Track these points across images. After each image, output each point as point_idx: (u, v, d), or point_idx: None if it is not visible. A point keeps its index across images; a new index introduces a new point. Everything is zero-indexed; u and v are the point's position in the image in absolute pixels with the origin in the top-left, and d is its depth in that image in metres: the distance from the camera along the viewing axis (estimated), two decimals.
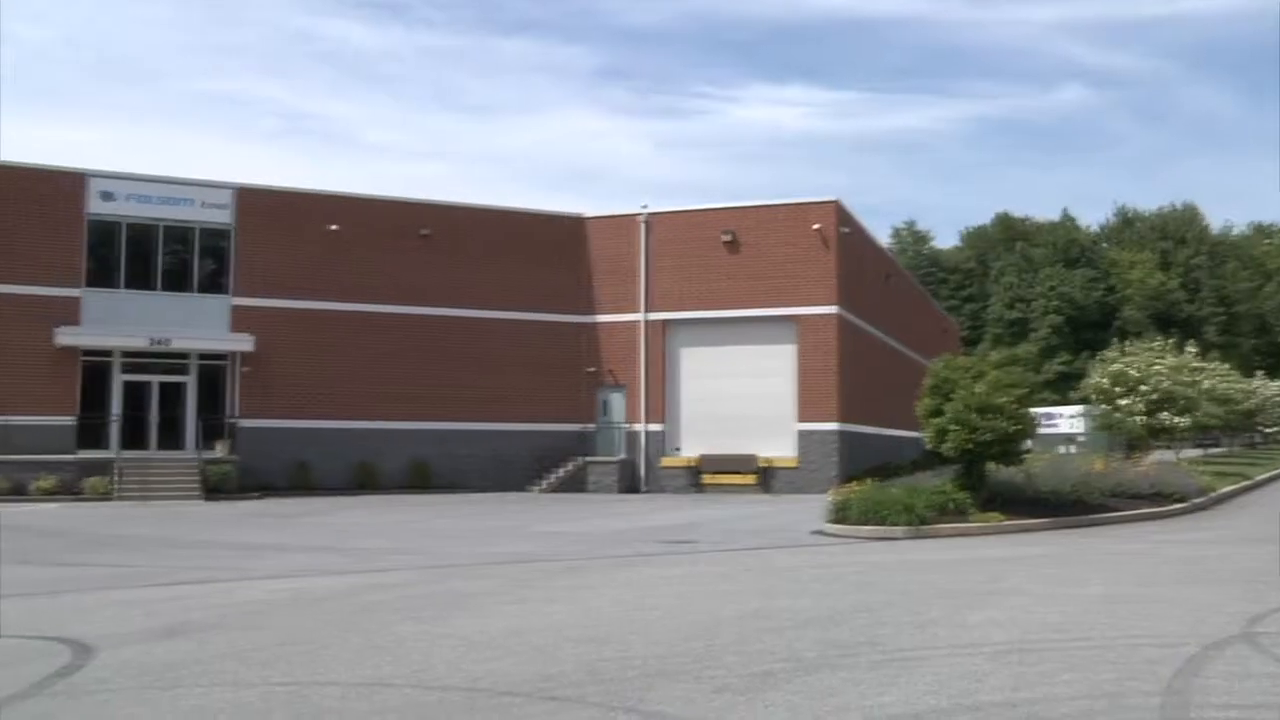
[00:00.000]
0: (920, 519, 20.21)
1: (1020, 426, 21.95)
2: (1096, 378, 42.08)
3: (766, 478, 37.06)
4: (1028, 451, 25.13)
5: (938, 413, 22.14)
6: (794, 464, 36.88)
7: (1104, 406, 41.50)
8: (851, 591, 12.85)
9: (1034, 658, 8.59)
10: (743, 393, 37.73)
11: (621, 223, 40.12)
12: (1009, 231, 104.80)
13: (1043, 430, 39.67)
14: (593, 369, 39.61)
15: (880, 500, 20.92)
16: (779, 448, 37.21)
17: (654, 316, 39.09)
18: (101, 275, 34.96)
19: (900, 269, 56.25)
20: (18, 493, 31.28)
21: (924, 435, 23.48)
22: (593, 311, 39.94)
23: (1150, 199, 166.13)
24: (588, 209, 41.20)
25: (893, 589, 12.97)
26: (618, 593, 13.19)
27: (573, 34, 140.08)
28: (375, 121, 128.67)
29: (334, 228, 36.94)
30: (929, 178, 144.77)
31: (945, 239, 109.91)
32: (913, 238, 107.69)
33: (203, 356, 35.94)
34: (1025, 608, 11.22)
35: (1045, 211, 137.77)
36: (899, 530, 20.00)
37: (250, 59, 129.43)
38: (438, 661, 8.77)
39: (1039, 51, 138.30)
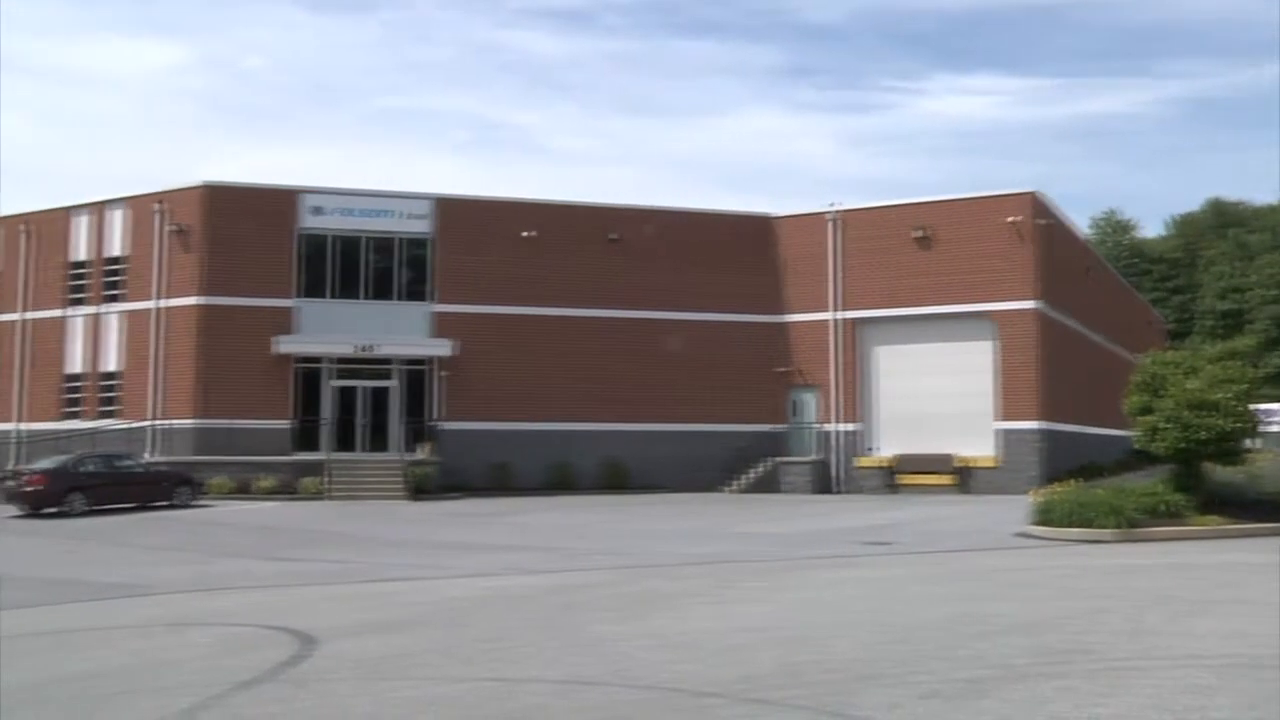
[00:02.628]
0: (1130, 521, 19.31)
1: (1241, 424, 20.72)
2: None
3: (964, 478, 36.05)
4: (1249, 451, 23.65)
5: (1148, 410, 21.11)
6: (993, 464, 35.76)
7: None
8: (1059, 596, 12.39)
9: (1271, 674, 8.06)
10: (938, 391, 36.80)
11: (810, 221, 39.71)
12: (1221, 217, 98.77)
13: (1266, 428, 37.29)
14: (784, 369, 39.33)
15: (1086, 501, 20.08)
16: (977, 447, 36.14)
17: (845, 315, 38.54)
18: (313, 286, 36.80)
19: (1101, 261, 53.85)
20: (242, 491, 33.26)
21: (1133, 434, 22.39)
22: (783, 311, 39.68)
23: None
24: (775, 208, 40.97)
25: (1103, 594, 12.43)
26: (816, 594, 13.07)
27: (754, 34, 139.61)
28: (562, 129, 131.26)
29: (528, 234, 37.87)
30: (1130, 164, 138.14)
31: (1149, 228, 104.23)
32: (1113, 228, 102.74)
33: (406, 362, 37.37)
34: (1253, 618, 10.55)
35: (1262, 195, 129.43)
36: (1107, 533, 19.15)
37: (441, 74, 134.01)
38: (637, 661, 8.87)
39: (1246, 23, 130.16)
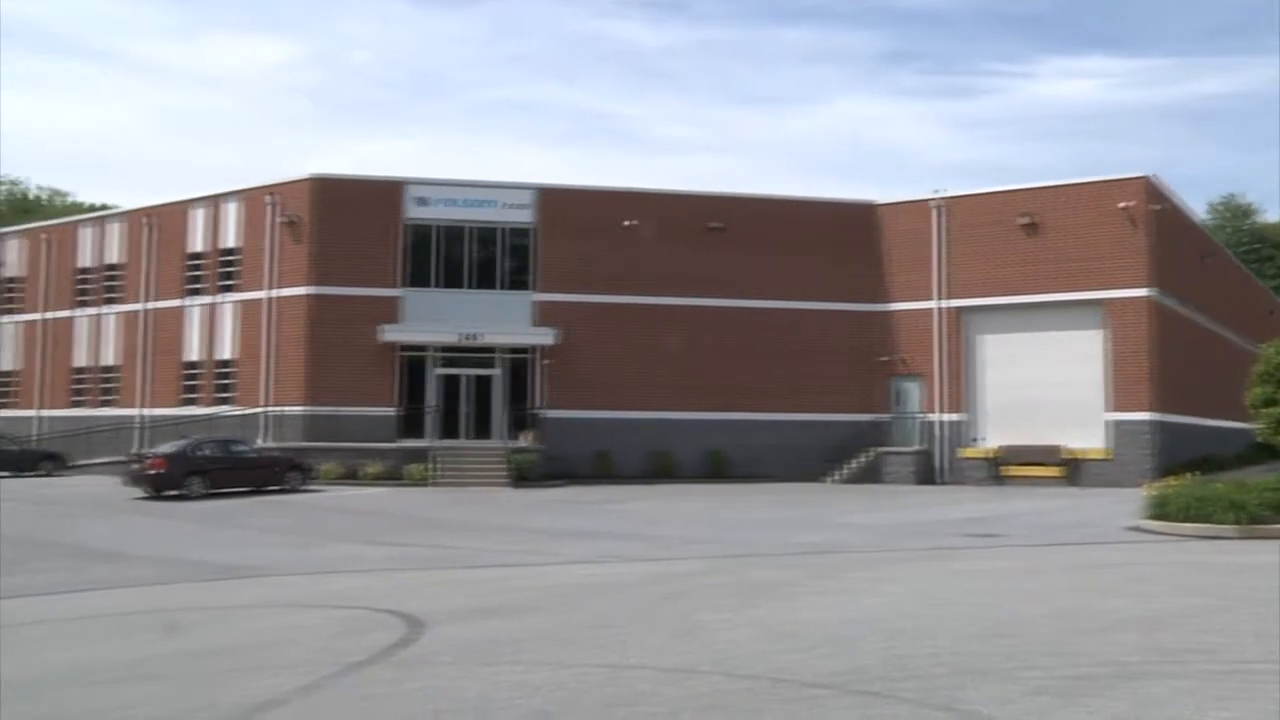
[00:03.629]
0: (1252, 517, 18.64)
1: None
2: None
3: (1073, 470, 35.23)
4: None
5: (1272, 402, 20.39)
6: (1104, 456, 34.89)
7: None
8: (1174, 594, 12.02)
9: None
10: (1046, 381, 36.00)
11: (914, 208, 39.15)
12: None
13: None
14: (886, 358, 38.88)
15: (1204, 496, 19.44)
16: (1087, 439, 35.29)
17: (950, 304, 37.93)
18: (417, 276, 37.45)
19: (1219, 247, 52.04)
20: (350, 477, 34.05)
21: (1255, 426, 21.63)
22: (886, 300, 39.20)
23: None
24: (877, 196, 40.44)
25: (1223, 593, 12.04)
26: (921, 586, 12.90)
27: (854, 19, 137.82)
28: (661, 118, 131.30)
29: (629, 223, 38.01)
30: (1249, 146, 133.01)
31: (1271, 212, 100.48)
32: (1232, 212, 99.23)
33: (509, 350, 37.82)
34: None
35: None
36: (1227, 529, 18.52)
37: (541, 65, 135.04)
38: (742, 650, 8.85)
39: None
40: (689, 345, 37.99)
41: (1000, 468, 36.32)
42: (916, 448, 37.75)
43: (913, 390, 38.70)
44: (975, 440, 37.29)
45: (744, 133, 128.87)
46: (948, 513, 25.16)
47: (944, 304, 37.95)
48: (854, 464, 37.66)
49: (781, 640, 9.26)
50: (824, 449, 37.87)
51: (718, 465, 37.50)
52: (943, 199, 38.44)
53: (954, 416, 37.60)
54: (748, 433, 37.88)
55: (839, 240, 39.35)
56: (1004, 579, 13.73)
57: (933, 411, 37.96)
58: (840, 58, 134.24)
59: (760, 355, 38.31)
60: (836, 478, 37.37)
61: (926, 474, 37.25)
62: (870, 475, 37.26)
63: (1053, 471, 35.32)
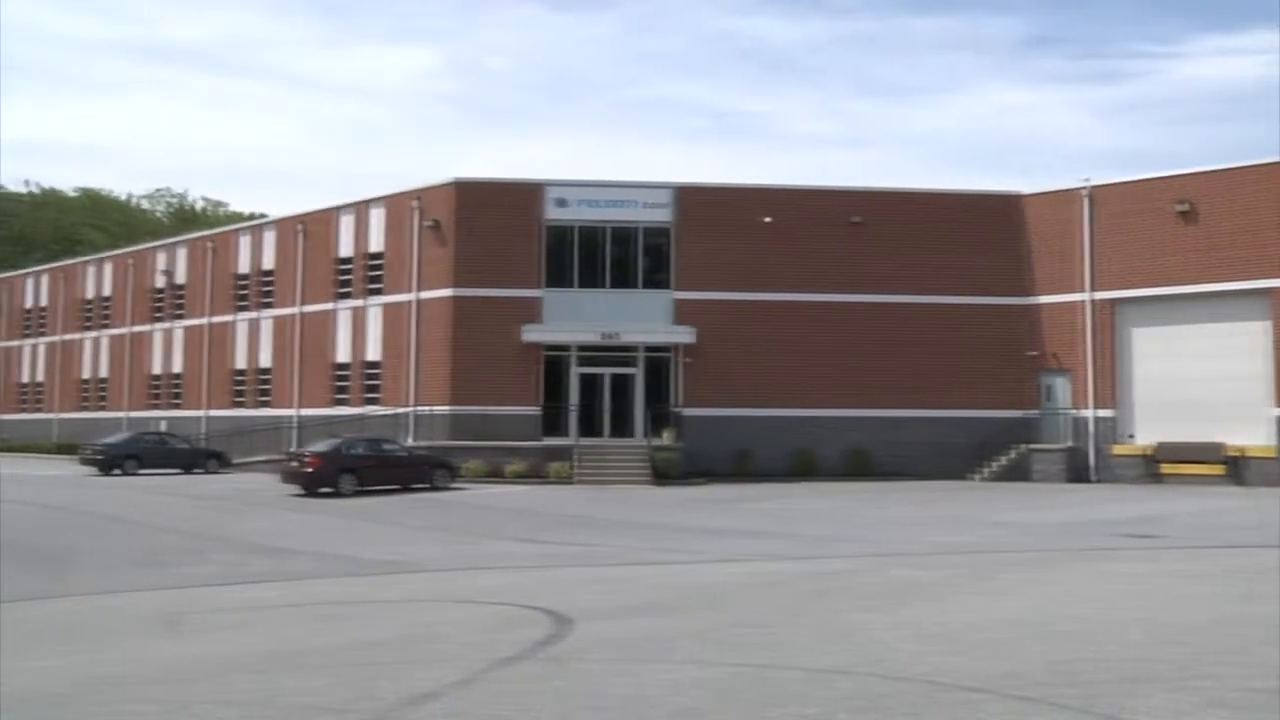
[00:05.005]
0: None
1: None
2: None
3: (1237, 469, 33.63)
4: None
5: None
6: (1272, 454, 33.20)
7: None
8: None
9: None
10: (1205, 375, 34.46)
11: (1061, 198, 37.93)
12: None
13: None
14: (1034, 353, 37.78)
15: None
16: (1251, 435, 33.65)
17: (1100, 296, 36.63)
18: (557, 276, 37.90)
19: None
20: (494, 475, 34.67)
21: None
22: (1033, 293, 38.09)
23: None
24: (1021, 186, 39.27)
25: None
26: (1078, 588, 12.49)
27: (994, 6, 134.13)
28: (797, 113, 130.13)
29: (768, 220, 37.78)
30: None
31: None
32: None
33: (648, 349, 37.97)
34: None
35: None
36: None
37: (676, 64, 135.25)
38: (894, 652, 8.70)
39: None
40: (830, 341, 37.59)
41: (1156, 465, 34.90)
42: (1066, 444, 36.59)
43: (1061, 385, 37.51)
44: (1128, 437, 35.95)
45: (882, 126, 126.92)
46: (1102, 512, 24.32)
47: (1094, 296, 36.67)
48: (1001, 461, 36.71)
49: (934, 641, 9.07)
50: (969, 446, 37.02)
51: (860, 463, 37.00)
52: (1091, 187, 37.15)
53: (1105, 412, 36.31)
54: (890, 430, 37.28)
55: (982, 233, 38.41)
56: (1166, 582, 13.19)
57: (1083, 407, 36.73)
58: (980, 45, 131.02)
59: (903, 351, 37.67)
60: (983, 475, 36.50)
61: (1077, 472, 36.07)
62: (1018, 473, 36.27)
63: (1214, 470, 33.79)
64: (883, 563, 15.51)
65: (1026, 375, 37.85)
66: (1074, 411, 36.91)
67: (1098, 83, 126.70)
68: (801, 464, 36.71)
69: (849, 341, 37.64)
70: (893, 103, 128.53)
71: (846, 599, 11.84)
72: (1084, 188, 37.27)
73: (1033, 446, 36.78)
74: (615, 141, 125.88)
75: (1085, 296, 36.77)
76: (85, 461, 39.56)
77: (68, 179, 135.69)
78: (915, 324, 37.85)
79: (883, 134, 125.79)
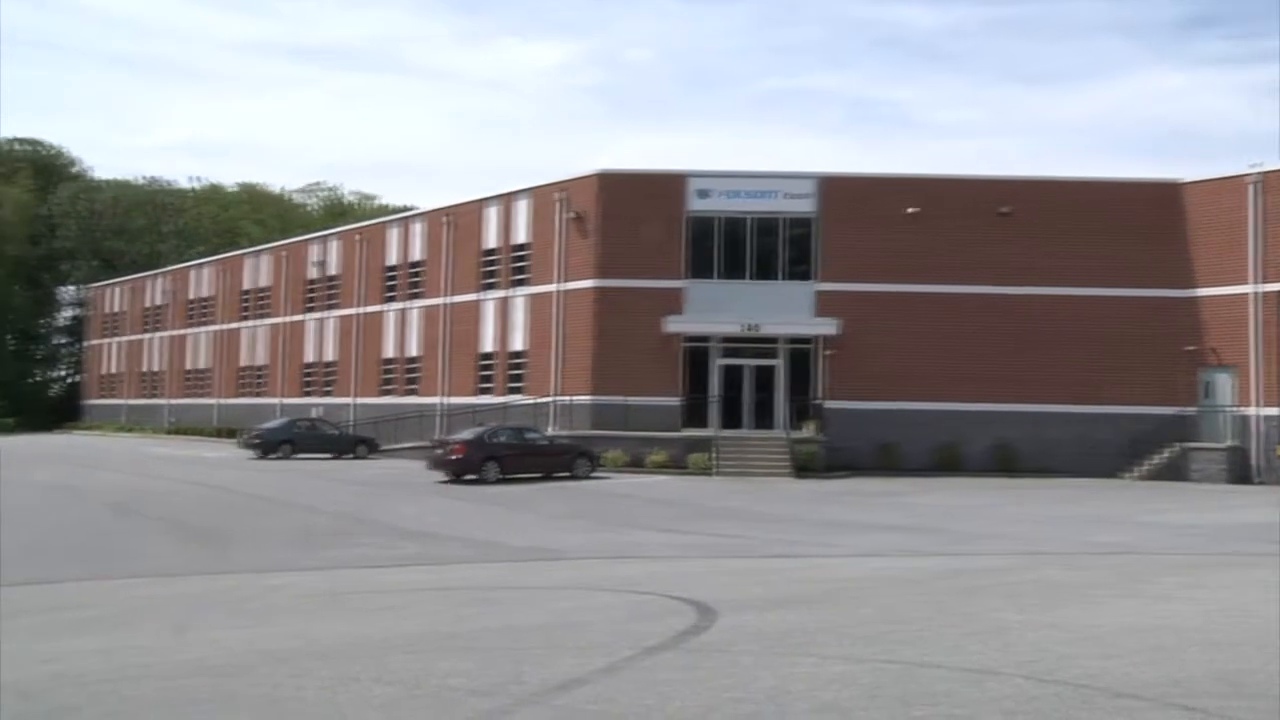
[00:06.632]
0: None
1: None
2: None
3: None
4: None
5: None
6: None
7: None
8: None
9: None
10: None
11: (1226, 185, 36.23)
12: None
13: None
14: (1192, 347, 36.23)
15: None
16: None
17: (1269, 288, 34.87)
18: (700, 267, 37.95)
19: None
20: (636, 465, 34.96)
21: None
22: (1192, 285, 36.52)
23: None
24: (1179, 173, 37.65)
25: None
26: (1242, 594, 11.94)
27: None
28: (941, 101, 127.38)
29: (912, 210, 37.11)
30: None
31: None
32: None
33: (791, 341, 37.73)
34: None
35: None
36: None
37: (814, 53, 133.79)
38: (1046, 654, 8.47)
39: None
40: (976, 334, 36.77)
41: None
42: (1228, 444, 35.00)
43: (1224, 382, 35.90)
44: None
45: (1030, 113, 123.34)
46: (1268, 515, 23.20)
47: (1262, 288, 34.97)
48: (1155, 460, 35.35)
49: (1087, 645, 8.80)
50: (1121, 444, 35.76)
51: (1006, 459, 36.10)
52: (1260, 174, 35.39)
53: (1272, 410, 34.60)
54: (1039, 425, 36.27)
55: (1137, 222, 36.99)
56: None
57: (1248, 405, 35.09)
58: (1133, 28, 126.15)
59: (1051, 344, 36.59)
60: (1135, 474, 35.21)
61: (1240, 472, 34.48)
62: (1174, 473, 34.87)
63: None
64: (1031, 561, 15.13)
65: (1184, 371, 36.35)
66: (1238, 409, 35.30)
67: (1263, 63, 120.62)
68: (945, 459, 36.02)
69: (995, 334, 36.75)
70: (1041, 89, 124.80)
71: (994, 598, 11.58)
72: (1252, 174, 35.55)
73: (1191, 445, 35.31)
74: (757, 132, 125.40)
75: (1252, 288, 35.11)
76: (244, 445, 41.35)
77: (229, 175, 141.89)
78: (1065, 317, 36.73)
79: (1029, 122, 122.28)
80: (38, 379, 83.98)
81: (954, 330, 36.81)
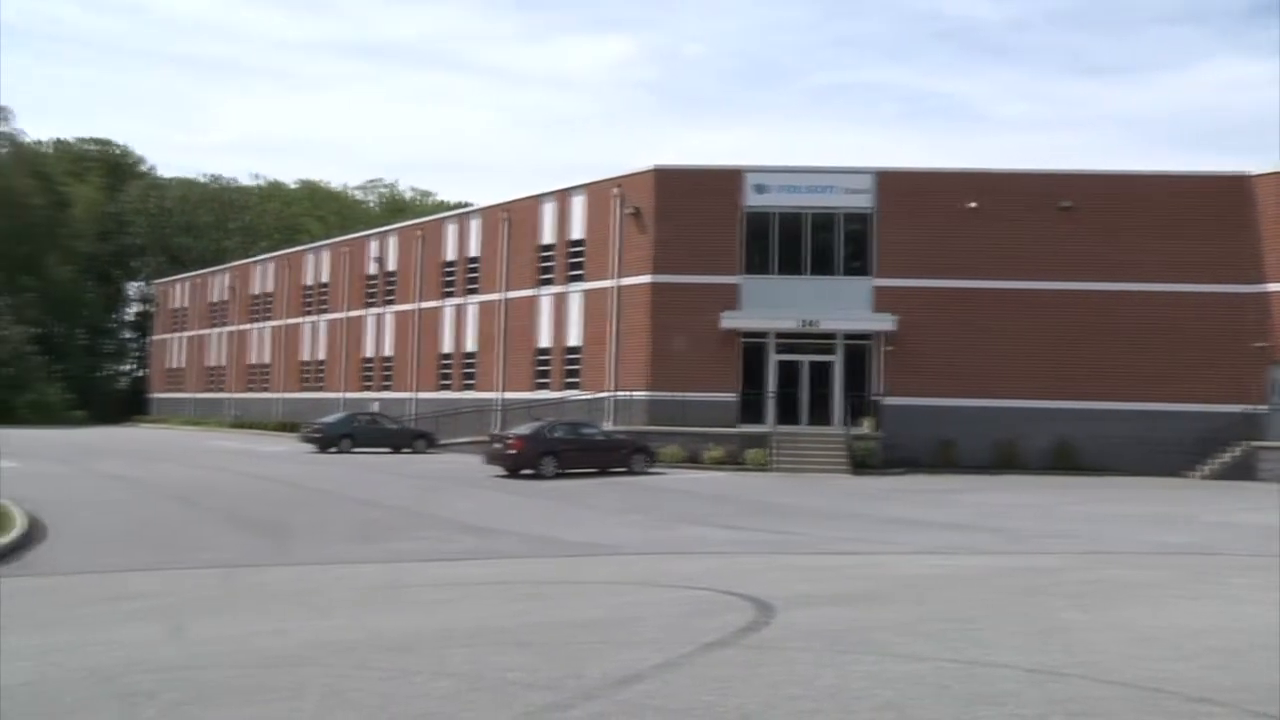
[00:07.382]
0: None
1: None
2: None
3: None
4: None
5: None
6: None
7: None
8: None
9: None
10: None
11: None
12: None
13: None
14: (1262, 344, 35.48)
15: None
16: None
17: None
18: (756, 262, 37.78)
19: None
20: (692, 460, 34.92)
21: None
22: (1261, 280, 35.75)
23: None
24: (1247, 166, 36.84)
25: None
26: None
27: None
28: (1001, 94, 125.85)
29: (972, 205, 36.69)
30: None
31: None
32: None
33: (848, 336, 37.47)
34: None
35: None
36: None
37: (873, 47, 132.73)
38: (1108, 655, 8.36)
39: None
40: (1036, 330, 36.28)
41: None
42: None
43: None
44: None
45: (1091, 106, 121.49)
46: None
47: None
48: (1222, 459, 34.67)
49: (1153, 646, 8.67)
50: (1186, 442, 35.12)
51: (1066, 456, 35.60)
52: None
53: None
54: (1099, 422, 35.72)
55: (1204, 216, 36.27)
56: None
57: None
58: (1199, 18, 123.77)
59: (1113, 341, 36.02)
60: (1200, 473, 34.56)
61: None
62: (1242, 472, 34.17)
63: None
64: (1094, 560, 14.91)
65: (1252, 368, 35.61)
66: None
67: None
68: (1004, 456, 35.60)
69: (1057, 330, 36.25)
70: (1104, 81, 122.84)
71: (1056, 596, 11.44)
72: None
73: (1260, 444, 34.58)
74: (815, 127, 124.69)
75: None
76: (305, 439, 41.87)
77: (290, 172, 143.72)
78: (1127, 313, 36.13)
79: (1092, 114, 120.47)
80: (106, 373, 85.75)
81: (1013, 326, 36.35)
